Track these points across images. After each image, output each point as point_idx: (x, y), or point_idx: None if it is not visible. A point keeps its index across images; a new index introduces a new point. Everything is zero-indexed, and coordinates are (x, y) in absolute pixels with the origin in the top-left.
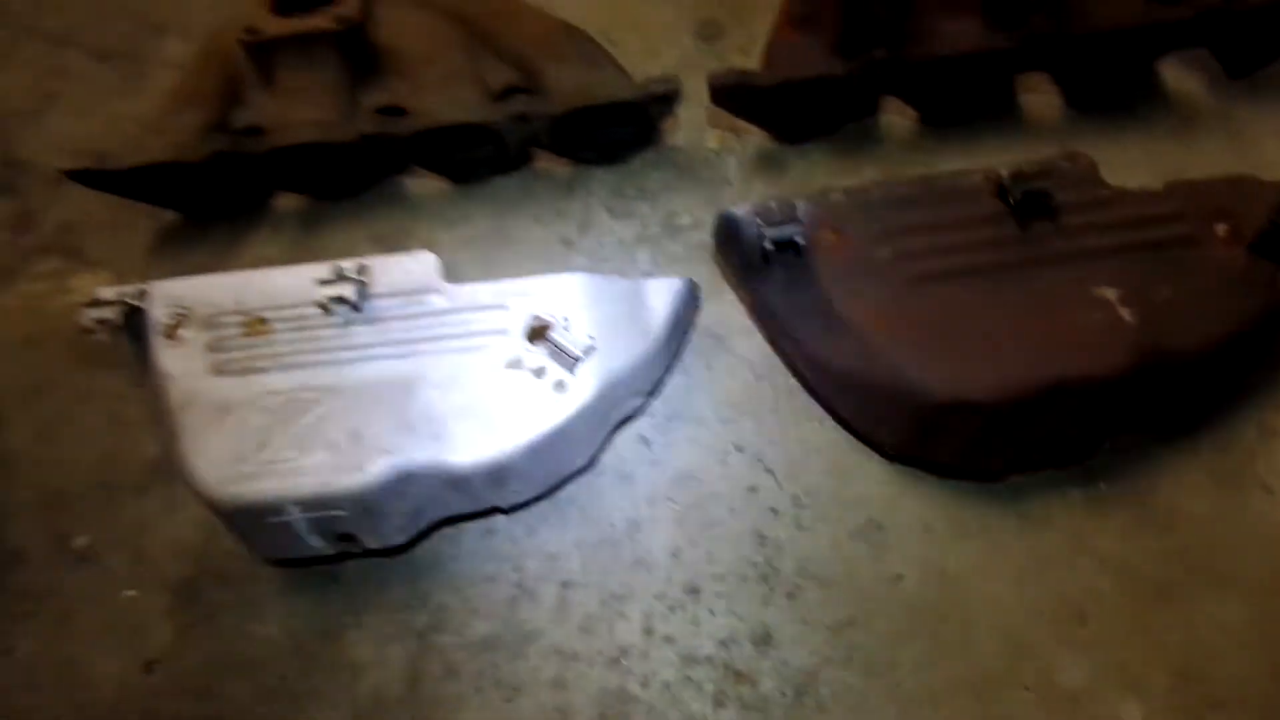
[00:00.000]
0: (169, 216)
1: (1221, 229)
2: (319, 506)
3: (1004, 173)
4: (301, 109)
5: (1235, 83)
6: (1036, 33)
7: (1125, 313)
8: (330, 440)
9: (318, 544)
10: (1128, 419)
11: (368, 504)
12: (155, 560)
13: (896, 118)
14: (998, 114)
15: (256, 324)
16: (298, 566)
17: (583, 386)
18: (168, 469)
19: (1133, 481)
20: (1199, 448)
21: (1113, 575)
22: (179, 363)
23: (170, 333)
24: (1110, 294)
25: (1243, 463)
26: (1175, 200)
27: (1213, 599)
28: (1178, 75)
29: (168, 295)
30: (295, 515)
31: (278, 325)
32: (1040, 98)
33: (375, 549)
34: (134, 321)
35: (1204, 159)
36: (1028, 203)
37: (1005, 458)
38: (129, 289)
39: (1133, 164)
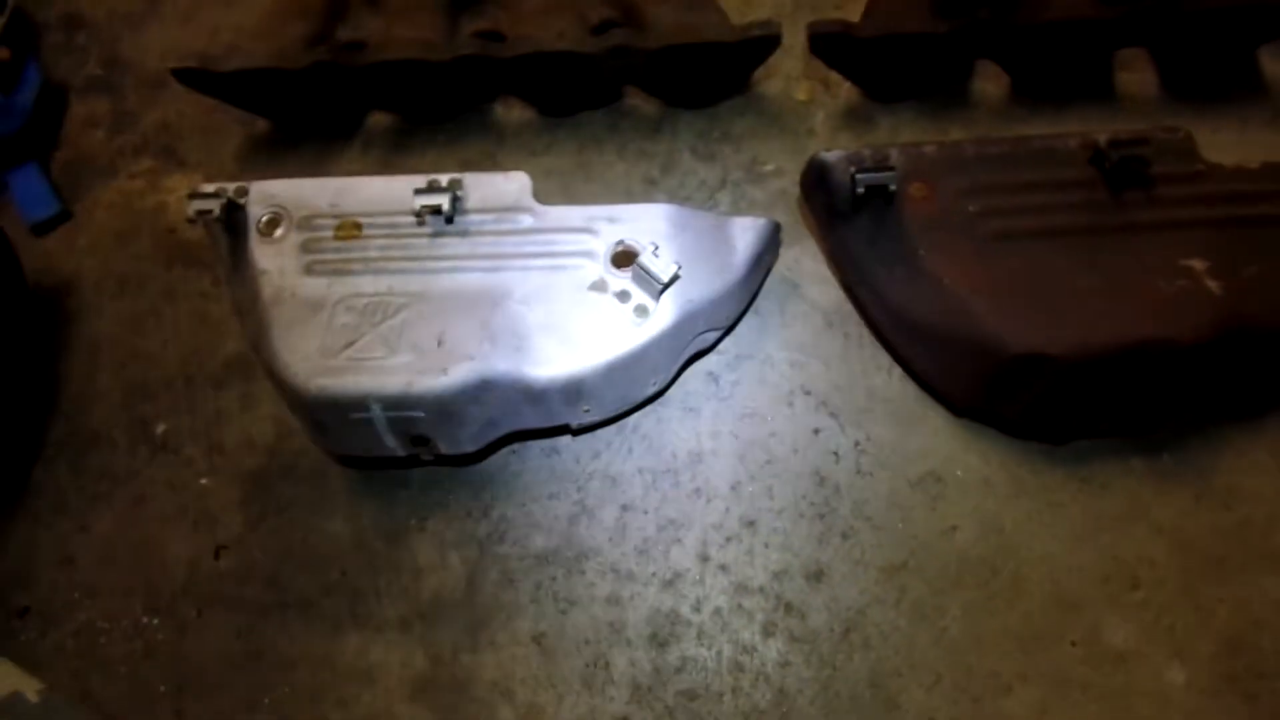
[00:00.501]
0: (261, 125)
1: None
2: (400, 406)
3: (1101, 138)
4: (403, 28)
5: None
6: (1145, 5)
7: (1212, 284)
8: (415, 343)
9: (393, 444)
10: (1202, 392)
11: (447, 407)
12: (230, 452)
13: (989, 84)
14: (1092, 89)
15: (350, 228)
16: (367, 468)
17: (663, 314)
18: (245, 366)
19: (1197, 456)
20: (1266, 428)
21: (1168, 544)
22: (273, 260)
23: (267, 230)
24: (1198, 265)
25: None
26: (1270, 179)
27: (1266, 575)
28: (1277, 65)
29: (265, 194)
30: (377, 412)
31: (371, 230)
32: (1136, 76)
33: (444, 457)
34: (232, 217)
35: None
36: (1123, 169)
37: (1073, 419)
38: (230, 186)
39: (1224, 148)
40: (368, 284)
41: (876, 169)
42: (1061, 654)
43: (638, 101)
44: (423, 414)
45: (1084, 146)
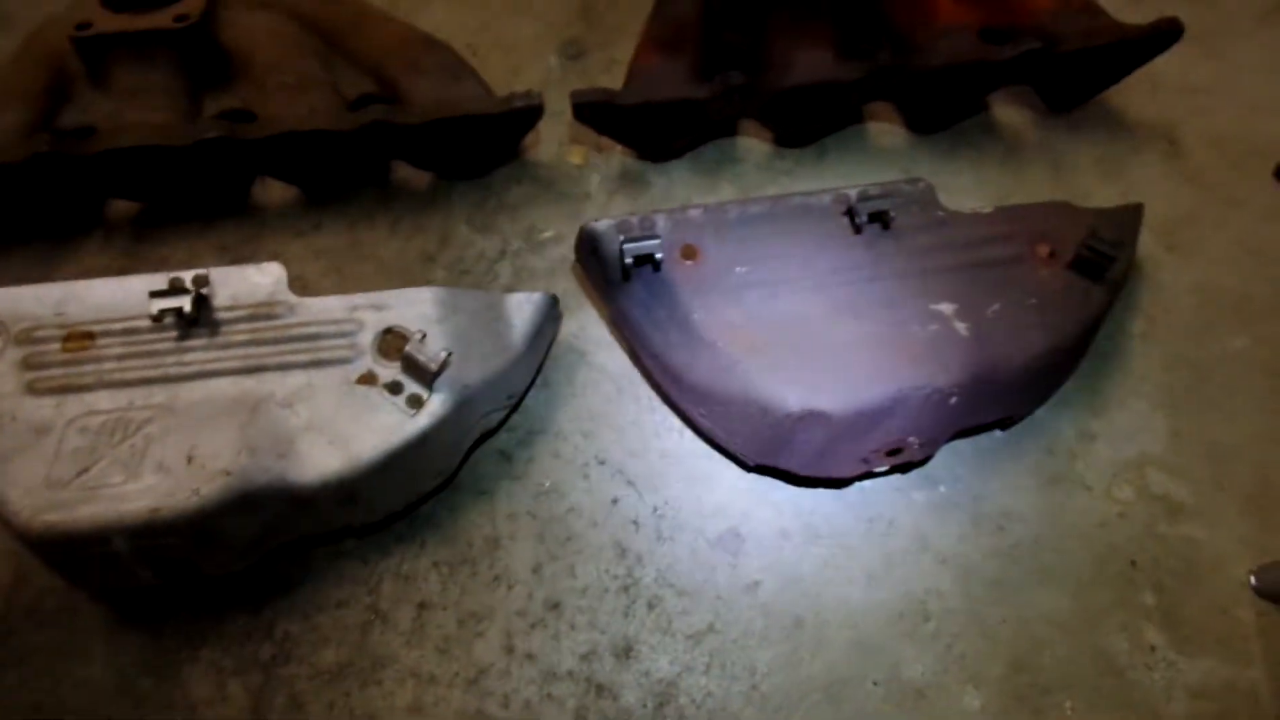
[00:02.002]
0: None
1: (1043, 249)
2: (148, 535)
3: (851, 194)
4: (137, 110)
5: (1056, 118)
6: (880, 66)
7: (960, 326)
8: (162, 462)
9: (147, 575)
10: (964, 423)
11: (204, 529)
12: None
13: (754, 140)
14: (847, 138)
15: (80, 338)
16: (126, 600)
17: (438, 402)
18: None
19: (969, 484)
20: (1026, 452)
21: (952, 573)
22: None
23: None
24: (947, 309)
25: (1064, 464)
26: (1003, 223)
27: (1040, 592)
28: (1007, 109)
29: None
30: (121, 545)
31: (105, 340)
32: (884, 124)
33: (213, 577)
34: None
35: (1029, 185)
36: (872, 222)
37: (854, 464)
38: None
39: (966, 188)
40: (104, 400)
41: (643, 237)
42: (865, 696)
43: (408, 174)
44: (176, 541)
45: (837, 201)
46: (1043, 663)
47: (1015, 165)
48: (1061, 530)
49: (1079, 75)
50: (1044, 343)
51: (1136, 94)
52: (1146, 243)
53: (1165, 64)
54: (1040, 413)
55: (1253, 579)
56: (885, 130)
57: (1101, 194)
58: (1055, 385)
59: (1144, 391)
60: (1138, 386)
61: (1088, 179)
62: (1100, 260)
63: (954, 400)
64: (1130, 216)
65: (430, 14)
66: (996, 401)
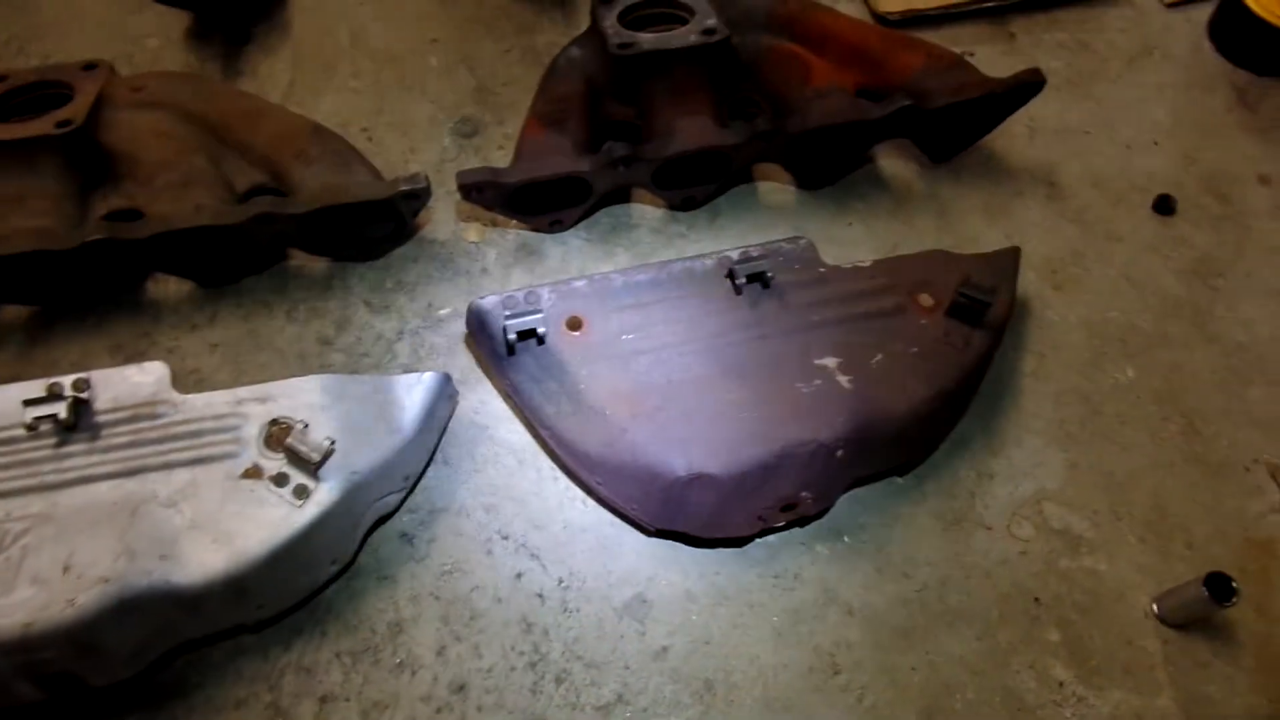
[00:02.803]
0: None
1: (925, 299)
2: (24, 649)
3: (733, 255)
4: (21, 217)
5: (941, 167)
6: (760, 130)
7: (843, 379)
8: (37, 573)
9: (29, 691)
10: (854, 476)
11: (83, 640)
12: None
13: (648, 206)
14: (738, 198)
15: None
16: (8, 717)
17: (325, 491)
18: None
19: (872, 533)
20: (927, 495)
21: (859, 623)
22: None
23: None
24: (830, 362)
25: (965, 506)
26: (882, 275)
27: (947, 634)
28: (893, 161)
29: None
30: None
31: None
32: (774, 183)
33: (104, 686)
34: None
35: (919, 233)
36: (752, 283)
37: (751, 522)
38: None
39: (858, 240)
40: None
41: (526, 312)
42: None
43: (303, 260)
44: (54, 654)
45: (719, 265)
46: (954, 707)
47: (904, 214)
48: (965, 572)
49: (951, 128)
50: (927, 390)
51: (1016, 139)
52: (1033, 282)
53: (1042, 108)
54: (938, 455)
55: (1155, 607)
56: (775, 189)
57: (988, 237)
58: (944, 431)
59: (1038, 428)
60: (1031, 423)
61: (974, 224)
62: (975, 305)
63: (840, 453)
64: (1008, 259)
65: (324, 102)
66: (885, 451)
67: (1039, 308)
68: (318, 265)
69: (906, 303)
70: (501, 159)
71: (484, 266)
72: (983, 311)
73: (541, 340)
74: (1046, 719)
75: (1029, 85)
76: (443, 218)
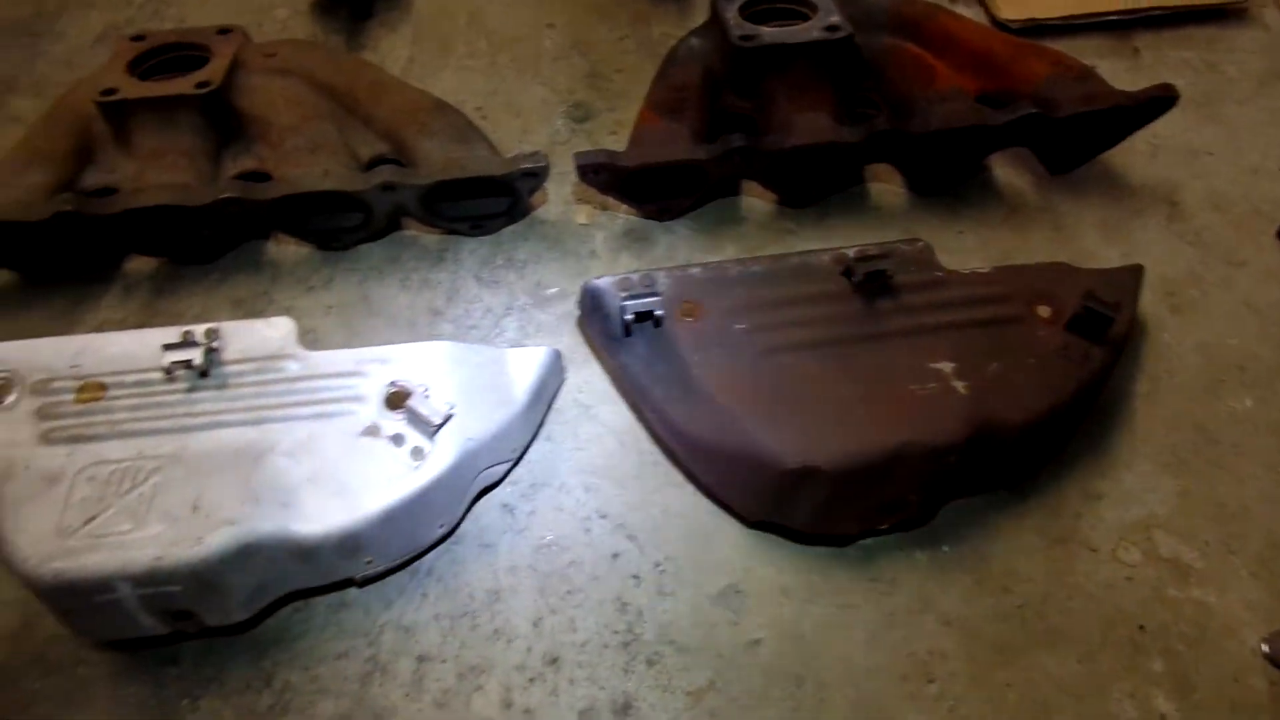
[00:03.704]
0: (4, 276)
1: (1043, 310)
2: (152, 582)
3: (851, 253)
4: (158, 171)
5: (1058, 179)
6: (879, 130)
7: (959, 385)
8: (168, 511)
9: (151, 624)
10: (962, 484)
11: (207, 578)
12: None
13: (757, 200)
14: (849, 199)
15: (94, 389)
16: (129, 649)
17: (441, 455)
18: None
19: (973, 544)
20: (1030, 511)
21: (956, 634)
22: (1, 431)
23: None
24: (945, 367)
25: (1070, 525)
26: (1001, 282)
27: (1046, 655)
28: (1008, 170)
29: None
30: (126, 592)
31: (116, 391)
32: (885, 185)
33: (216, 627)
34: None
35: (1032, 246)
36: (870, 281)
37: (853, 522)
38: None
39: (969, 250)
40: (114, 450)
41: (644, 294)
42: None
43: (417, 232)
44: (179, 589)
45: (836, 261)
46: None
47: (1017, 225)
48: (1068, 592)
49: (1075, 139)
50: (1043, 402)
51: (1138, 156)
52: (1149, 302)
53: (1166, 127)
54: (1044, 472)
55: (1265, 646)
56: (887, 191)
57: (1104, 255)
58: (1057, 447)
59: (1149, 452)
60: (1142, 447)
61: (1090, 240)
62: (1098, 320)
63: (953, 459)
64: (1130, 277)
65: (442, 80)
66: (996, 462)
67: (1154, 329)
68: (431, 237)
69: (1025, 313)
70: (612, 144)
71: (592, 249)
72: (1105, 327)
73: (658, 323)
74: None
75: (1160, 100)
76: (554, 199)
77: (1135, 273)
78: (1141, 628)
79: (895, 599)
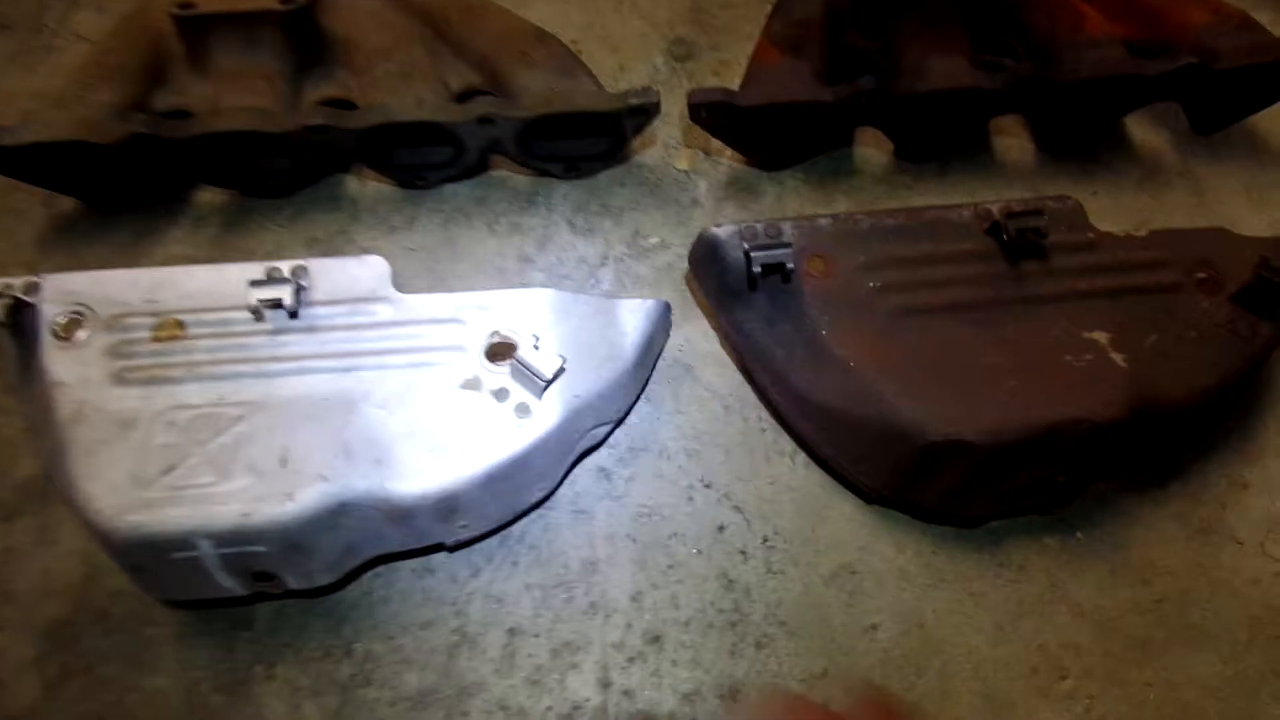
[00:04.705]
0: (67, 205)
1: (1201, 278)
2: (237, 541)
3: (994, 209)
4: (236, 94)
5: (1197, 140)
6: (1022, 76)
7: (1117, 357)
8: (253, 463)
9: (229, 584)
10: (1113, 465)
11: (295, 539)
12: (23, 599)
13: (871, 150)
14: (971, 154)
15: (171, 327)
16: (200, 608)
17: (548, 412)
18: (43, 493)
19: (1108, 531)
20: (1170, 498)
21: (1090, 627)
22: (73, 368)
23: (64, 333)
24: (1101, 337)
25: (1214, 515)
26: (1159, 247)
27: (1189, 653)
28: (1144, 129)
29: (63, 290)
30: (207, 550)
31: (196, 329)
32: (1013, 141)
33: (295, 590)
34: (20, 318)
35: (1170, 211)
36: (1020, 240)
37: (991, 501)
38: (16, 280)
39: (1101, 212)
40: (194, 393)
41: (772, 245)
42: None
43: (507, 172)
44: (265, 549)
45: (977, 217)
46: None
47: (1154, 189)
48: (1211, 587)
49: (1234, 95)
50: (1206, 380)
51: None
52: None
53: None
54: (1185, 457)
55: None
56: (1013, 146)
57: (1250, 223)
58: (1213, 428)
59: None
60: None
61: (1235, 207)
62: (1273, 293)
63: (1111, 437)
64: None
65: (534, 10)
66: (1153, 441)
67: None
68: (521, 178)
69: (1186, 281)
70: (716, 85)
71: (694, 197)
72: (1279, 300)
73: (788, 277)
74: None
75: None
76: (652, 142)
77: None
78: None
79: (1024, 587)
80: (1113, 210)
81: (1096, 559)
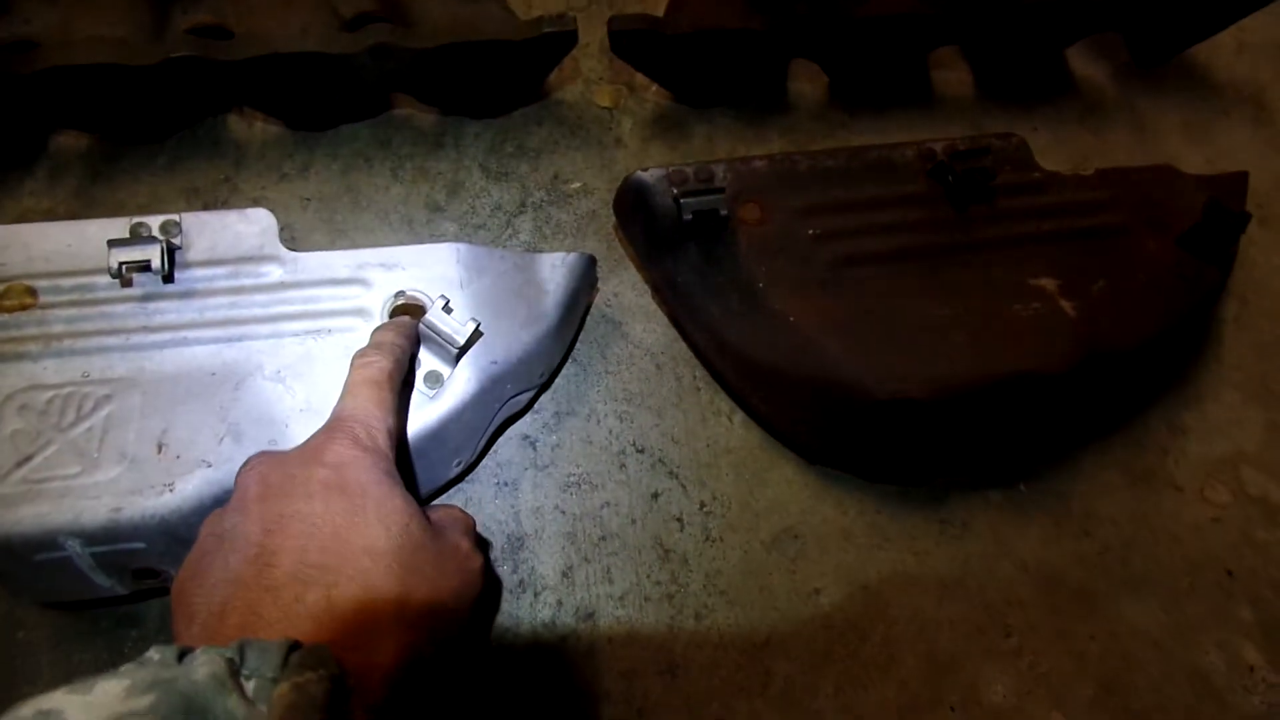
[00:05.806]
0: None
1: (1149, 219)
2: (110, 538)
3: (938, 147)
4: (90, 22)
5: (1137, 74)
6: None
7: (1065, 305)
8: (125, 450)
9: (108, 584)
10: (1061, 418)
11: (178, 533)
12: None
13: (806, 85)
14: (908, 91)
15: (21, 294)
16: (81, 609)
17: (462, 381)
18: None
19: (1051, 482)
20: (1112, 447)
21: (1034, 582)
22: None
23: None
24: (1049, 284)
25: (1155, 462)
26: (1106, 186)
27: (1131, 603)
28: (1084, 62)
29: None
30: (76, 550)
31: (51, 297)
32: (950, 74)
33: None
34: None
35: (1109, 148)
36: (967, 182)
37: (937, 459)
38: None
39: (1043, 148)
40: (51, 372)
41: (704, 190)
42: None
43: (411, 110)
44: (144, 545)
45: (921, 156)
46: (1135, 684)
47: (1095, 124)
48: (1153, 535)
49: (1177, 22)
50: (1154, 327)
51: (1221, 53)
52: None
53: (1251, 21)
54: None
55: None
56: (951, 80)
57: (1188, 159)
58: (1158, 375)
59: (1237, 381)
60: (1230, 375)
61: (1173, 142)
62: (1222, 234)
63: (1061, 390)
64: (1234, 185)
65: None
66: (1103, 394)
67: (1243, 245)
68: (427, 118)
69: (1133, 223)
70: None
71: (618, 137)
72: (1227, 243)
73: (723, 225)
74: (1235, 705)
75: None
76: (573, 76)
77: (1239, 182)
78: (1229, 573)
79: (968, 544)
80: (1054, 147)
81: (1040, 511)
